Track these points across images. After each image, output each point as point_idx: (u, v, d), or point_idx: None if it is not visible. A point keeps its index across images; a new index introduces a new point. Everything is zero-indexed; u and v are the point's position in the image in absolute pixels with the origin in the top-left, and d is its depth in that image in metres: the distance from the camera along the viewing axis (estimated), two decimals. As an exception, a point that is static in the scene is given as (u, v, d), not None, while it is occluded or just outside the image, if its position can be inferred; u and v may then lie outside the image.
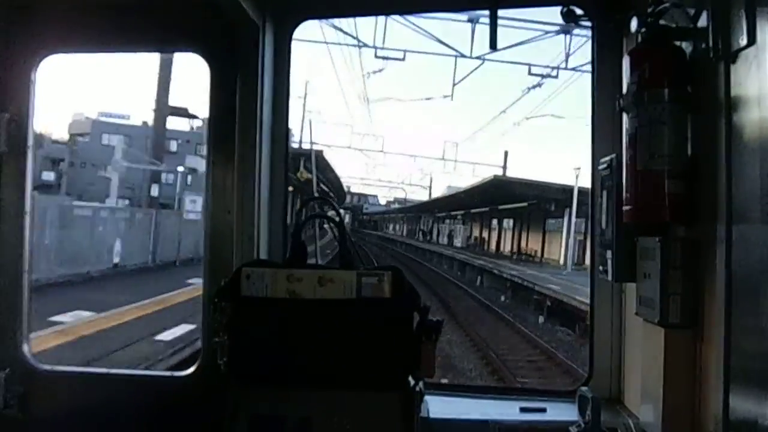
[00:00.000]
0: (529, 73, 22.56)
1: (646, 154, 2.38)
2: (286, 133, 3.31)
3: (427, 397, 2.62)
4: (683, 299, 2.34)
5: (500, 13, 3.06)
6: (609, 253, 2.79)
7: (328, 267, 2.62)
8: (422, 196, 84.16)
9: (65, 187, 47.95)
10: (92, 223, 26.44)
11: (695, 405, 2.30)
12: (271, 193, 3.25)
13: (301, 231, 2.70)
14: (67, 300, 17.60)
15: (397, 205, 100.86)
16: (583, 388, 2.77)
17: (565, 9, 2.96)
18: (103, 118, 64.62)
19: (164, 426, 3.07)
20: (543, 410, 3.03)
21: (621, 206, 2.59)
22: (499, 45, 3.10)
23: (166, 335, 15.03)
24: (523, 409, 3.03)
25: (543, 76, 22.85)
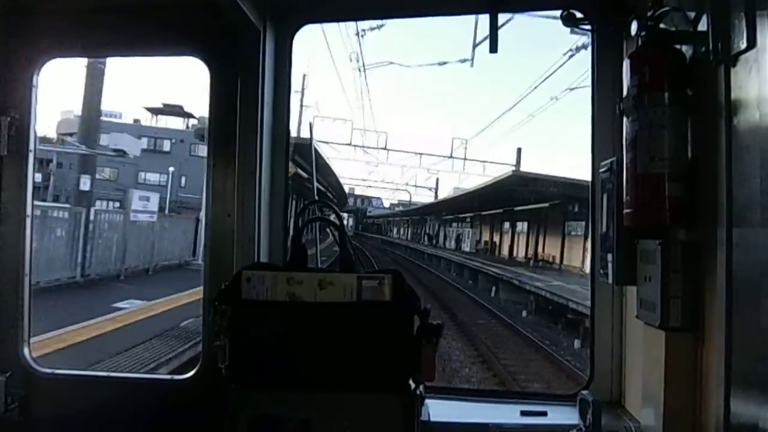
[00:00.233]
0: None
1: (646, 157, 2.38)
2: (287, 136, 3.31)
3: (427, 401, 2.62)
4: (684, 302, 2.34)
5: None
6: (609, 256, 2.79)
7: (329, 270, 2.62)
8: (428, 199, 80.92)
9: (52, 189, 47.25)
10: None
11: (696, 408, 2.30)
12: (271, 197, 3.25)
13: (302, 234, 2.70)
14: None
15: (401, 208, 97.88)
16: (584, 392, 2.77)
17: (565, 13, 2.97)
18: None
19: (165, 429, 3.07)
20: (544, 414, 3.02)
21: (621, 209, 2.59)
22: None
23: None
24: (523, 413, 3.03)
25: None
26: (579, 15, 2.99)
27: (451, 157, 53.81)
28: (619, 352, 3.03)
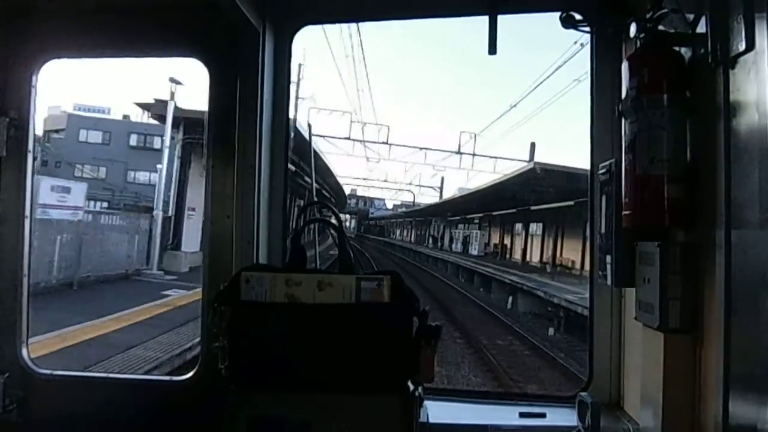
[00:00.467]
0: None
1: (645, 158, 2.38)
2: (287, 138, 3.31)
3: (426, 402, 2.62)
4: (683, 304, 2.34)
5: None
6: (608, 258, 2.79)
7: (328, 271, 2.62)
8: (432, 199, 74.67)
9: (37, 188, 46.09)
10: None
11: (695, 410, 2.30)
12: (270, 198, 3.25)
13: (301, 235, 2.70)
14: None
15: (404, 209, 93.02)
16: (583, 393, 2.77)
17: (564, 14, 2.97)
18: (80, 113, 58.86)
19: (163, 431, 3.06)
20: (543, 415, 3.02)
21: (620, 211, 2.59)
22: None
23: None
24: (522, 414, 3.03)
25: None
26: (578, 17, 2.99)
27: (458, 152, 49.17)
28: (618, 354, 3.03)
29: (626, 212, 2.51)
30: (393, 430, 2.39)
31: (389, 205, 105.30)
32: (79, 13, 3.24)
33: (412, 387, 2.45)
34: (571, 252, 36.09)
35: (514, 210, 43.03)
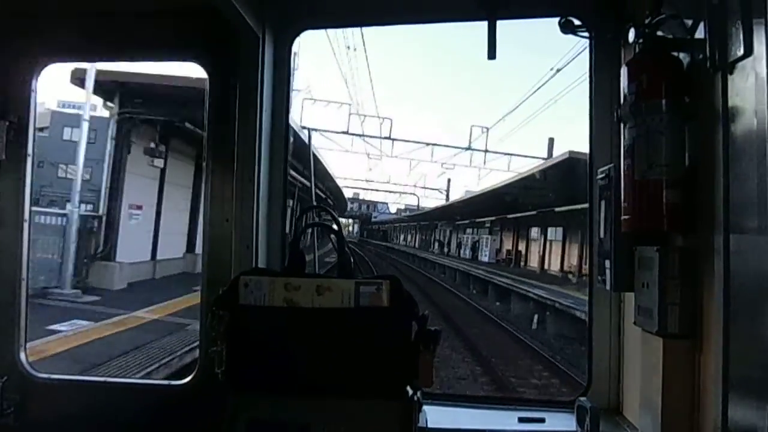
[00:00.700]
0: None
1: (644, 163, 2.38)
2: (286, 142, 3.32)
3: (425, 407, 2.61)
4: (682, 309, 2.34)
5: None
6: (607, 263, 2.79)
7: (327, 276, 2.62)
8: (438, 203, 69.37)
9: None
10: None
11: (694, 415, 2.30)
12: (269, 202, 3.25)
13: (300, 240, 2.70)
14: None
15: (408, 213, 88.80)
16: (582, 398, 2.76)
17: (563, 20, 2.98)
18: (64, 110, 54.76)
19: None
20: (542, 420, 3.02)
21: (619, 216, 2.59)
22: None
23: None
24: (521, 419, 3.02)
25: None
26: (577, 22, 3.00)
27: (469, 148, 43.94)
28: (617, 359, 3.03)
29: (625, 217, 2.52)
30: None
31: (392, 209, 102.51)
32: (79, 17, 3.25)
33: (410, 392, 2.44)
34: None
35: (534, 212, 38.38)
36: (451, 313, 23.73)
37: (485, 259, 51.19)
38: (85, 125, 21.14)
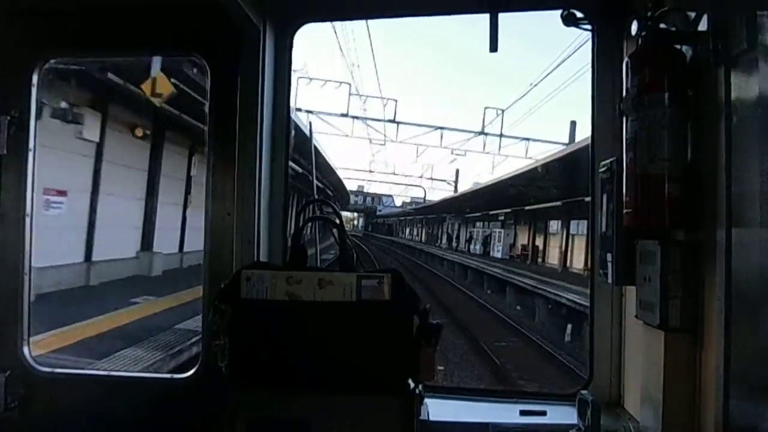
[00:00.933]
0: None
1: (646, 157, 2.38)
2: (287, 136, 3.31)
3: (427, 400, 2.62)
4: (683, 303, 2.34)
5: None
6: (609, 257, 2.79)
7: (328, 269, 2.62)
8: (447, 194, 64.34)
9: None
10: None
11: (695, 408, 2.30)
12: (271, 196, 3.26)
13: (301, 233, 2.70)
14: None
15: (414, 206, 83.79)
16: (583, 392, 2.77)
17: (565, 12, 2.97)
18: None
19: (164, 428, 3.07)
20: (543, 413, 3.03)
21: (621, 209, 2.59)
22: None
23: None
24: (523, 413, 3.03)
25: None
26: (579, 15, 2.99)
27: (482, 133, 39.02)
28: (618, 352, 3.03)
29: (627, 211, 2.51)
30: (393, 428, 2.39)
31: (398, 202, 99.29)
32: (80, 11, 3.24)
33: (412, 385, 2.45)
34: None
35: (558, 203, 33.65)
36: (465, 320, 20.68)
37: (498, 254, 46.78)
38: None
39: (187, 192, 23.76)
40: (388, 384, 2.42)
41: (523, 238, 44.87)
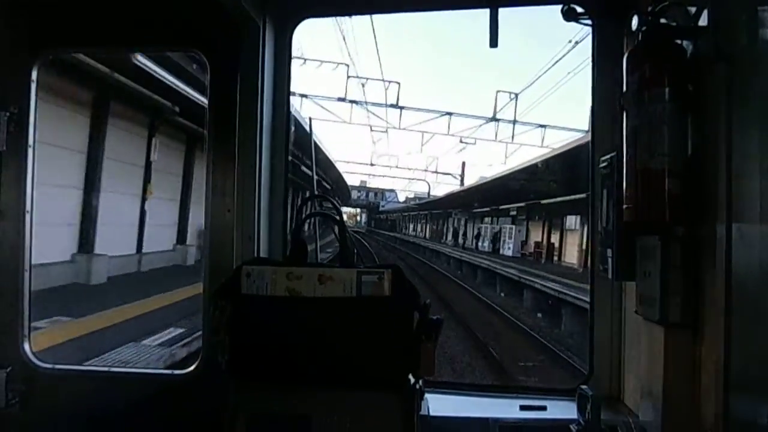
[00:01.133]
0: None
1: (646, 152, 2.37)
2: (287, 132, 3.31)
3: (427, 395, 2.63)
4: (683, 298, 2.34)
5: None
6: (609, 252, 2.79)
7: (328, 265, 2.62)
8: (452, 188, 61.09)
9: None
10: None
11: (695, 403, 2.30)
12: (271, 192, 3.26)
13: (301, 229, 2.70)
14: None
15: (418, 201, 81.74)
16: (583, 387, 2.77)
17: (565, 7, 2.96)
18: None
19: (165, 424, 3.08)
20: (543, 408, 3.04)
21: (621, 205, 2.59)
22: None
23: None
24: (523, 407, 3.04)
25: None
26: (580, 10, 2.98)
27: (494, 119, 35.47)
28: (618, 347, 3.04)
29: (627, 206, 2.51)
30: (393, 424, 2.40)
31: (401, 197, 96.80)
32: (79, 6, 3.24)
33: (412, 380, 2.45)
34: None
35: (581, 195, 27.86)
36: (479, 330, 18.00)
37: (508, 252, 42.72)
38: None
39: (146, 180, 20.36)
40: (388, 379, 2.42)
41: (536, 235, 41.93)
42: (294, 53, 3.31)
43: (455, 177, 62.30)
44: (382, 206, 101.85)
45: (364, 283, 2.41)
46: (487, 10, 3.00)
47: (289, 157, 3.34)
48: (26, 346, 3.22)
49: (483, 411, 3.02)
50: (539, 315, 21.85)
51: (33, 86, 3.25)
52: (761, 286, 1.85)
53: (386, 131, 42.40)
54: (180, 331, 12.60)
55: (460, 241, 56.75)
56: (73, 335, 11.65)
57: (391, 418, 2.39)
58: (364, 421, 2.40)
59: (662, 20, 2.45)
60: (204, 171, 3.19)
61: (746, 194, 1.96)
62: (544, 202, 36.53)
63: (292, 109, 3.45)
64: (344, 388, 2.41)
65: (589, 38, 3.10)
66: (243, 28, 3.10)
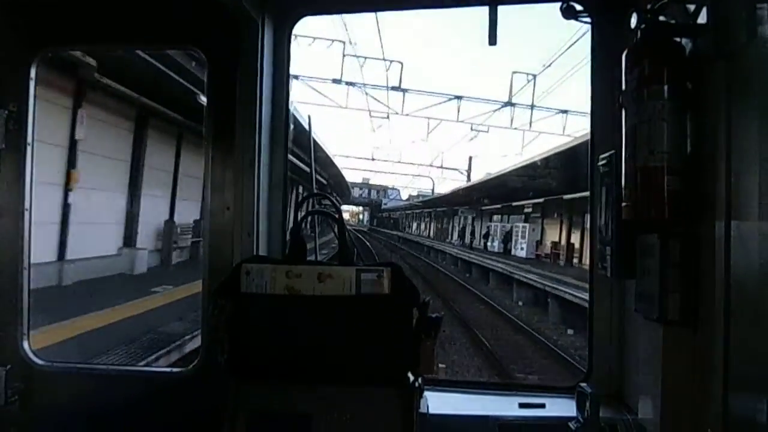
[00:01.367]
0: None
1: (645, 150, 2.37)
2: (286, 129, 3.31)
3: (426, 393, 2.63)
4: (682, 296, 2.34)
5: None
6: (608, 250, 2.79)
7: (328, 263, 2.62)
8: (459, 184, 57.12)
9: None
10: None
11: (694, 401, 2.30)
12: (270, 190, 3.25)
13: (300, 227, 2.70)
14: None
15: (421, 199, 77.81)
16: (582, 384, 2.77)
17: (564, 5, 2.96)
18: None
19: (164, 422, 3.08)
20: (542, 406, 3.04)
21: (620, 203, 2.59)
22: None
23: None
24: (522, 405, 3.04)
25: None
26: (579, 7, 2.98)
27: (509, 104, 31.39)
28: (617, 346, 3.04)
29: (626, 204, 2.51)
30: (393, 422, 2.40)
31: (404, 195, 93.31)
32: (77, 3, 3.23)
33: (412, 378, 2.46)
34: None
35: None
36: (501, 352, 15.42)
37: (521, 253, 39.13)
38: None
39: (70, 165, 16.06)
40: (387, 377, 2.42)
41: (552, 234, 37.99)
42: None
43: (461, 172, 59.45)
44: (385, 204, 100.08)
45: (364, 281, 2.41)
46: (486, 8, 3.00)
47: (288, 155, 3.34)
48: (25, 344, 3.21)
49: (482, 409, 3.02)
50: (570, 332, 18.51)
51: (32, 84, 3.24)
52: (760, 283, 1.86)
53: (387, 117, 37.99)
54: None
55: (467, 240, 54.15)
56: None
57: (390, 415, 2.40)
58: (364, 418, 2.40)
59: (661, 18, 2.45)
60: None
61: (745, 192, 1.96)
62: (567, 197, 32.32)
63: (291, 107, 3.44)
64: (344, 386, 2.42)
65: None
66: (242, 25, 3.10)
